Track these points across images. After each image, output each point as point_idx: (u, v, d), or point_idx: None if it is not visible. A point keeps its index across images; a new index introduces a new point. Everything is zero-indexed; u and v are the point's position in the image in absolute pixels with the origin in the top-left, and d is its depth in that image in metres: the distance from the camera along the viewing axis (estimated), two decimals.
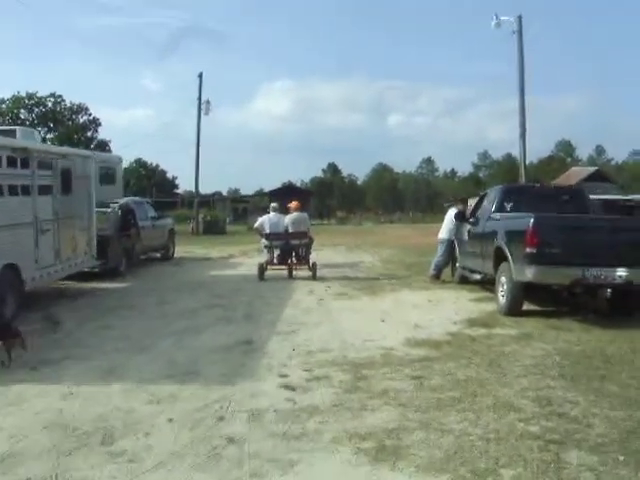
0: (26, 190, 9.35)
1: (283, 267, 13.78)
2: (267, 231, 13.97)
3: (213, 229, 36.23)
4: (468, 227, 11.56)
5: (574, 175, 50.58)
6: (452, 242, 12.41)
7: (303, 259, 13.79)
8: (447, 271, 12.85)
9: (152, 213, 17.41)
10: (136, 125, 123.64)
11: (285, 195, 62.40)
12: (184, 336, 7.82)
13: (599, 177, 47.37)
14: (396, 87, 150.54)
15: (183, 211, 49.80)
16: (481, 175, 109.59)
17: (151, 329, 8.28)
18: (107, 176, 16.31)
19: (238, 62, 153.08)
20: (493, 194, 10.93)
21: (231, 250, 21.67)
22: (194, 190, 40.86)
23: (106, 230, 13.62)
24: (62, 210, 10.58)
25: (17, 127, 10.88)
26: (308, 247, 13.95)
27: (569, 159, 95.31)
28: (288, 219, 14.11)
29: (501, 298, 9.10)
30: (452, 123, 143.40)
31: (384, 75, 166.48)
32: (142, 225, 15.87)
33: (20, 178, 9.22)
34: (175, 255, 19.02)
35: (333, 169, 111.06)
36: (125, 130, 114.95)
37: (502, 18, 23.29)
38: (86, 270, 12.37)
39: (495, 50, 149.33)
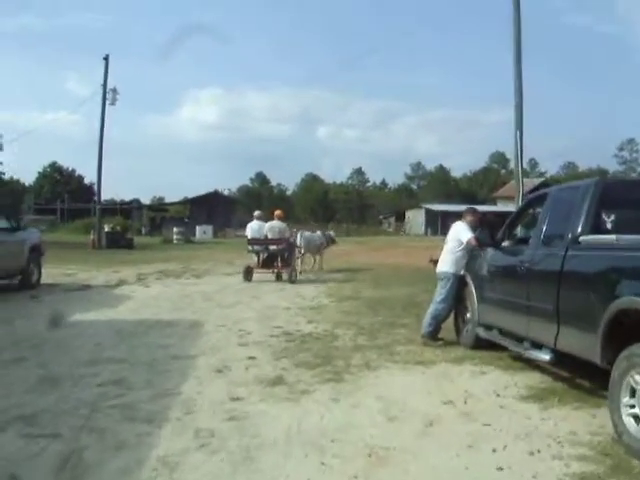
0: None
1: (266, 271, 14.96)
2: (249, 237, 15.39)
3: (119, 242, 30.64)
4: (491, 254, 6.90)
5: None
6: (461, 280, 7.51)
7: (285, 263, 14.94)
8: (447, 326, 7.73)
9: (1, 223, 12.09)
10: (54, 128, 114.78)
11: (209, 204, 57.59)
12: None
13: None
14: (325, 98, 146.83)
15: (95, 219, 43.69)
16: (414, 186, 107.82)
17: None
18: None
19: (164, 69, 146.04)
20: (576, 196, 5.42)
21: (126, 273, 16.53)
22: (105, 196, 35.05)
23: None
24: None
25: None
26: (290, 252, 15.21)
27: (503, 171, 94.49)
28: (267, 226, 15.30)
29: (631, 422, 4.06)
30: (382, 135, 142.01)
31: (314, 85, 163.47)
32: None
33: None
34: (46, 280, 13.76)
35: (262, 179, 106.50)
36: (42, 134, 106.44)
37: None
38: None
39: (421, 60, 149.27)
